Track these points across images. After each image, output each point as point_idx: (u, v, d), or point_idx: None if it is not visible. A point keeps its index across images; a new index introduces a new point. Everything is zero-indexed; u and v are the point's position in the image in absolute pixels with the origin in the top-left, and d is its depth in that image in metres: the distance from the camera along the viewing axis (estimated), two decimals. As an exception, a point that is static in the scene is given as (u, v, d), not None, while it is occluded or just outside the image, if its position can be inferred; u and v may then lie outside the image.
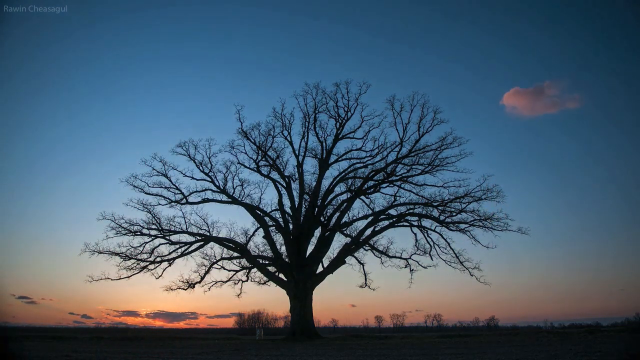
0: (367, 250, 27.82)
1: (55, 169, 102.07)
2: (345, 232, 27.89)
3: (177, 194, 27.13)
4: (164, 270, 26.45)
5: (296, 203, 28.63)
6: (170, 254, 26.61)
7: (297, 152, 29.30)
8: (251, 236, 27.81)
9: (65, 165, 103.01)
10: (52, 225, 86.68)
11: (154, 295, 73.17)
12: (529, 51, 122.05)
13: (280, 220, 28.20)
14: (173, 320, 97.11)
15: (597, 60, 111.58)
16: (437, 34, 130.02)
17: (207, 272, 27.05)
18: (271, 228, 27.78)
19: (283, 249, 27.84)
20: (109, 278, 24.92)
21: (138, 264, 25.88)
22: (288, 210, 28.46)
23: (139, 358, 12.06)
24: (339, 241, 28.48)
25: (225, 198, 27.94)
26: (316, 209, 28.10)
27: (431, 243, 26.88)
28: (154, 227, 26.38)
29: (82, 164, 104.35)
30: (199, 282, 26.94)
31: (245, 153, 28.67)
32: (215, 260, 27.29)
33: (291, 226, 28.14)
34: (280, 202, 28.52)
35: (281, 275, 27.26)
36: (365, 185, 28.22)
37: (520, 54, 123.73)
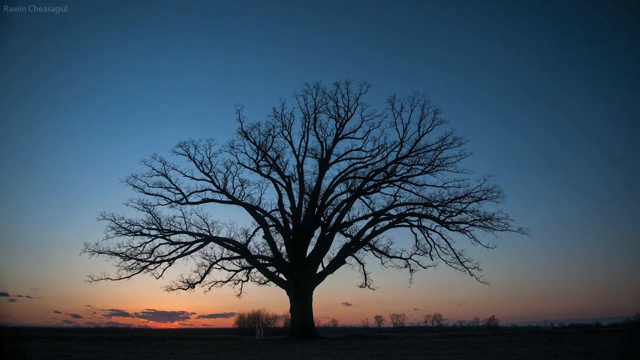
0: (367, 250, 27.88)
1: (53, 169, 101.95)
2: (345, 232, 27.95)
3: (177, 194, 27.21)
4: (164, 270, 26.49)
5: (296, 203, 28.62)
6: (170, 254, 26.66)
7: (297, 152, 29.37)
8: (251, 236, 27.92)
9: (64, 164, 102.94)
10: (36, 223, 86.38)
11: (140, 295, 73.14)
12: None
13: (280, 220, 28.19)
14: (165, 319, 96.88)
15: None
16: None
17: (207, 272, 27.08)
18: (271, 228, 27.80)
19: (283, 249, 27.88)
20: (109, 278, 24.91)
21: (138, 264, 25.90)
22: (288, 210, 28.46)
23: (139, 358, 12.03)
24: (339, 241, 28.58)
25: (225, 198, 27.98)
26: (316, 209, 28.07)
27: (431, 243, 27.00)
28: (154, 227, 26.42)
29: (82, 163, 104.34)
30: (199, 282, 26.95)
31: (245, 153, 28.78)
32: (215, 260, 27.33)
33: (291, 226, 28.14)
34: (280, 202, 28.53)
35: (281, 275, 27.25)
36: (365, 185, 28.24)
37: None
